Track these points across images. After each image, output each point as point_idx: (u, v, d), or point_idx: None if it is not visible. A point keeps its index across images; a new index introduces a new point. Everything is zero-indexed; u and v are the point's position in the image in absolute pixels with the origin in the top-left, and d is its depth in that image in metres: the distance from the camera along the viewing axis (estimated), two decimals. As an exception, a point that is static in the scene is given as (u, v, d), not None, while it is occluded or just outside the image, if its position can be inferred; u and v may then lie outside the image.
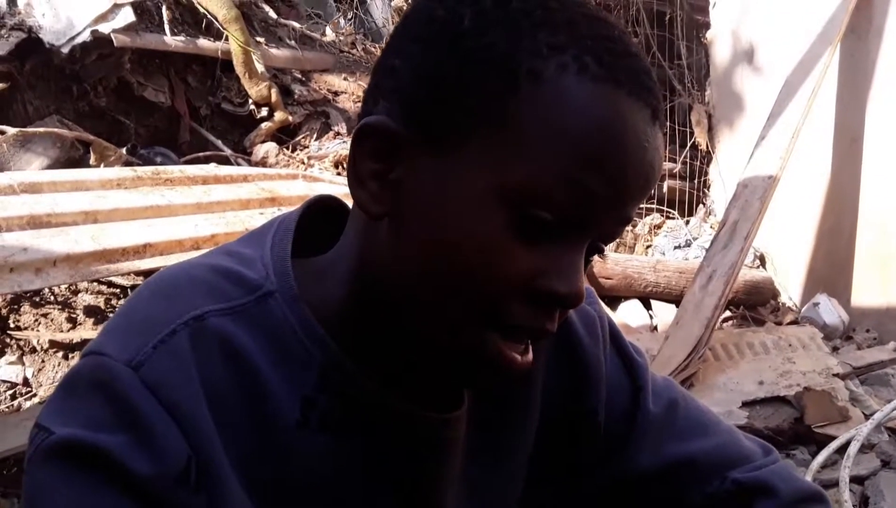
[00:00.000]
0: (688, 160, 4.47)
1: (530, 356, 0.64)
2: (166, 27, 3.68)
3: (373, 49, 4.82)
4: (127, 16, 3.41)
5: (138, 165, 3.21)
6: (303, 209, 0.72)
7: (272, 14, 4.22)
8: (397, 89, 0.62)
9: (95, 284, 3.01)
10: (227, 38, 3.77)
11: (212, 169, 3.18)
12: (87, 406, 0.58)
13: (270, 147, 3.77)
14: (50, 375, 2.74)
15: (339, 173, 3.58)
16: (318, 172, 3.51)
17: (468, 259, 0.59)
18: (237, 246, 0.70)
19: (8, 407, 2.62)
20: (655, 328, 3.46)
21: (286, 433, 0.64)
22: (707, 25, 4.51)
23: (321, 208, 0.73)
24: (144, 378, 0.58)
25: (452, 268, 0.60)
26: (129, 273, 2.73)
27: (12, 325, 2.83)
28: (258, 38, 4.03)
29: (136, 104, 3.72)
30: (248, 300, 0.64)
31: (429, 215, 0.60)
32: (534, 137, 0.58)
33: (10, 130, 3.18)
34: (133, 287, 3.01)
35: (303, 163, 3.78)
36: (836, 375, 2.77)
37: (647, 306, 3.61)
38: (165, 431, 0.58)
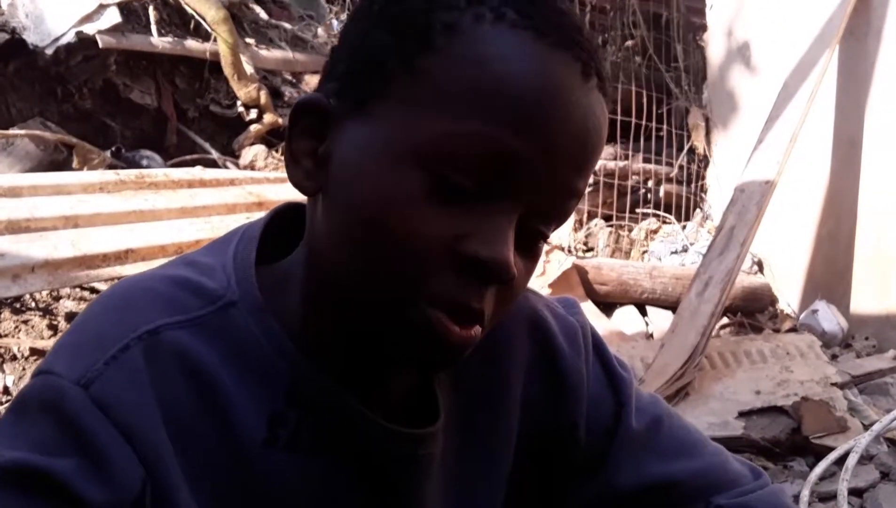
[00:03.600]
0: (685, 164, 4.43)
1: (473, 331, 0.60)
2: (153, 28, 3.63)
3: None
4: (113, 16, 3.36)
5: (122, 168, 3.15)
6: (270, 216, 0.69)
7: (263, 15, 4.18)
8: (332, 68, 0.62)
9: (77, 290, 2.95)
10: (215, 40, 3.73)
11: (198, 172, 3.14)
12: (36, 429, 0.55)
13: (259, 150, 3.72)
14: (30, 383, 2.69)
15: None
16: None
17: (386, 223, 0.57)
18: (198, 255, 0.67)
19: (-14, 416, 2.56)
20: (651, 335, 3.42)
21: (252, 452, 0.61)
22: (704, 28, 4.48)
23: (291, 215, 0.69)
24: (95, 397, 0.55)
25: (373, 233, 0.57)
26: (110, 280, 2.68)
27: (-9, 332, 2.78)
28: (248, 40, 3.98)
29: (121, 106, 3.68)
30: (207, 312, 0.61)
31: (350, 181, 0.59)
32: (448, 93, 0.56)
33: (-8, 133, 3.13)
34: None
35: (292, 166, 3.72)
36: (835, 384, 2.73)
37: (643, 313, 3.56)
38: (118, 454, 0.55)
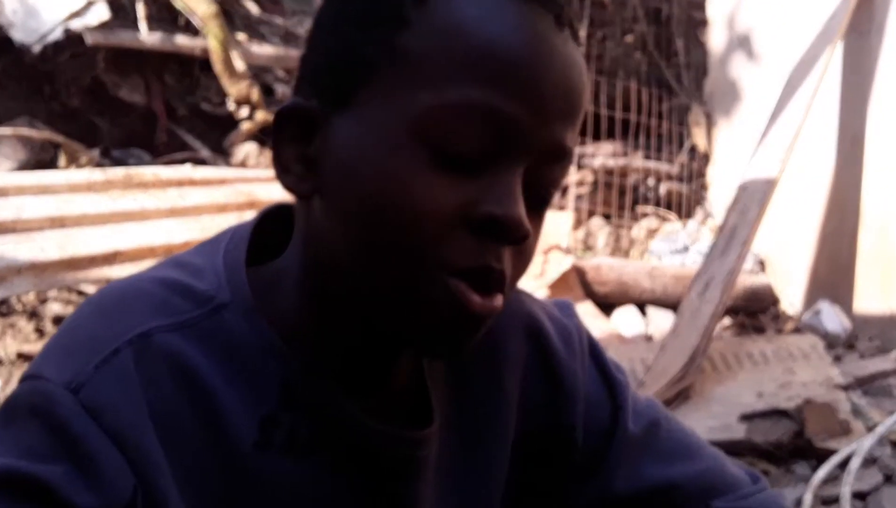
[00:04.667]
0: (685, 161, 4.39)
1: (496, 301, 0.60)
2: (142, 24, 3.60)
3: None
4: (101, 12, 3.33)
5: (110, 167, 3.11)
6: (259, 217, 0.69)
7: (255, 10, 4.13)
8: (306, 72, 0.63)
9: (64, 292, 2.92)
10: (206, 36, 3.68)
11: (187, 171, 3.10)
12: (25, 434, 0.55)
13: (251, 148, 3.68)
14: (17, 387, 2.64)
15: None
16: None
17: (396, 207, 0.57)
18: (187, 256, 0.66)
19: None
20: (651, 336, 3.38)
21: (244, 455, 0.60)
22: (705, 23, 4.45)
23: (280, 216, 0.69)
24: (85, 402, 0.55)
25: (384, 220, 0.57)
26: (97, 282, 2.63)
27: (-24, 336, 2.74)
28: (239, 35, 3.93)
29: (110, 104, 3.66)
30: (198, 314, 0.61)
31: (349, 174, 0.59)
32: (430, 66, 0.57)
33: (-22, 132, 3.09)
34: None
35: (285, 165, 3.69)
36: (838, 386, 2.71)
37: (643, 314, 3.54)
38: (109, 460, 0.54)
